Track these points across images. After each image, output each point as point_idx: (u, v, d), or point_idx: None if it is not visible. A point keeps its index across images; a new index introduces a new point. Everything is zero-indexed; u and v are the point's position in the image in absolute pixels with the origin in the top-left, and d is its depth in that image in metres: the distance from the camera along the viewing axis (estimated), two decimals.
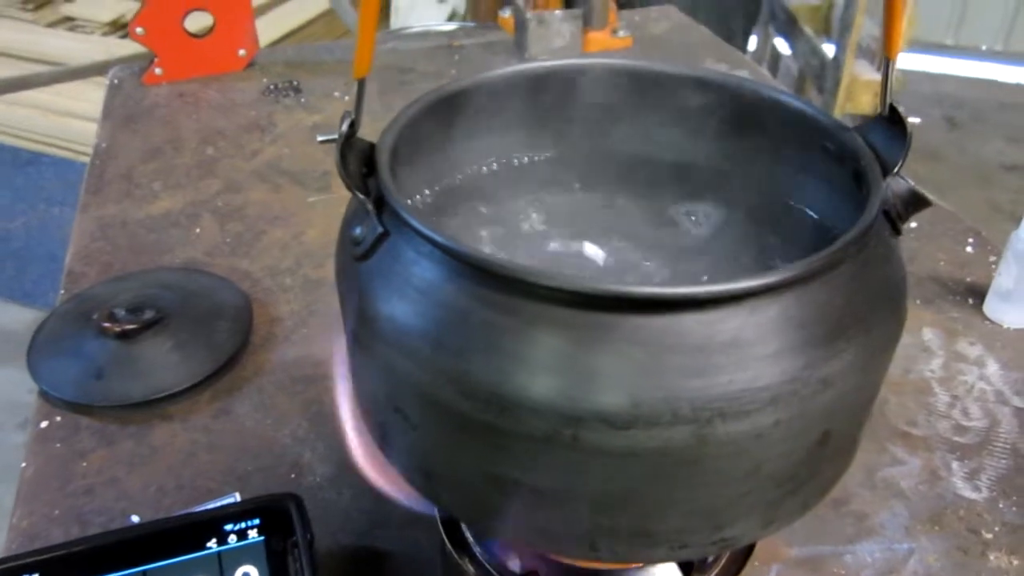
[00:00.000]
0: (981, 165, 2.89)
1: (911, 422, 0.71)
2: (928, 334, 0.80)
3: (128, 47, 2.23)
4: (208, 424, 0.69)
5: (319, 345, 0.77)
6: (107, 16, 2.95)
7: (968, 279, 0.86)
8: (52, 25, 3.05)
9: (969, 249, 0.91)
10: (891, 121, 0.37)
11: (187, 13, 1.15)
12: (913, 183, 0.37)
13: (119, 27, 2.97)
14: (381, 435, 0.36)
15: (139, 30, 1.14)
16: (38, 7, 3.05)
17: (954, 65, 3.72)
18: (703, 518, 0.31)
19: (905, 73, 3.00)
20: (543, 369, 0.28)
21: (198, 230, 0.91)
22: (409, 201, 0.35)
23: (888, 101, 0.36)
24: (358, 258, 0.33)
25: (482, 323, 0.29)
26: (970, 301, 0.84)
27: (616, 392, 0.28)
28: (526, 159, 0.43)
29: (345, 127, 0.33)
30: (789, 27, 2.66)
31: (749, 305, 0.28)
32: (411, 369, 0.30)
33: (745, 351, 0.28)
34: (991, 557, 0.61)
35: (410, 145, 0.38)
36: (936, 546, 0.62)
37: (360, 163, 0.34)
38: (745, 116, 0.41)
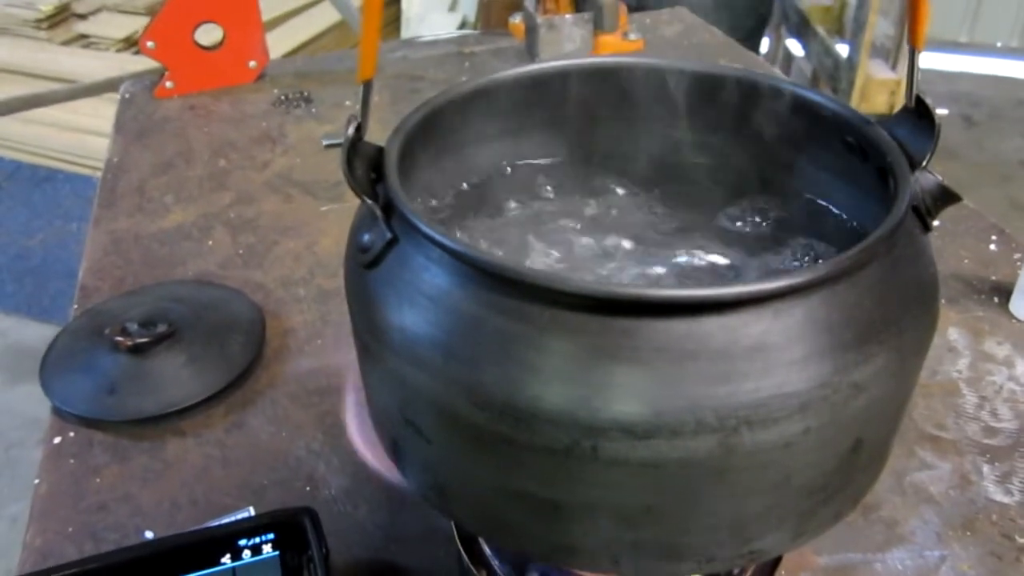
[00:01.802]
0: (1000, 163, 2.86)
1: (940, 425, 0.70)
2: (954, 334, 0.78)
3: (142, 63, 2.24)
4: (222, 438, 0.69)
5: (333, 356, 0.76)
6: (121, 33, 2.97)
7: (993, 277, 0.85)
8: (67, 43, 3.08)
9: (992, 247, 0.89)
10: (918, 114, 0.35)
11: (197, 26, 1.15)
12: (940, 178, 0.36)
13: (133, 44, 2.99)
14: (395, 450, 0.34)
15: (150, 44, 1.14)
16: (52, 25, 3.08)
17: (969, 63, 3.68)
18: (731, 531, 0.30)
19: (919, 72, 2.96)
20: (559, 378, 0.27)
21: (210, 242, 0.90)
22: (420, 206, 0.34)
23: (915, 93, 0.35)
24: (366, 266, 0.32)
25: (495, 331, 0.28)
26: (995, 300, 0.82)
27: (636, 401, 0.26)
28: (540, 161, 0.42)
29: (351, 131, 0.32)
30: (802, 28, 2.65)
31: (773, 308, 0.27)
32: (423, 380, 0.29)
33: (771, 356, 0.27)
34: None
35: (420, 149, 0.37)
36: (969, 553, 0.60)
37: (368, 168, 0.33)
38: (764, 113, 0.40)
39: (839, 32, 2.57)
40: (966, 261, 0.87)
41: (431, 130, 0.37)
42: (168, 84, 1.17)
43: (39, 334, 2.47)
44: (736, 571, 0.41)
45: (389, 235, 0.31)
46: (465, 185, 0.40)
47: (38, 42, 3.07)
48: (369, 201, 0.32)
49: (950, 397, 0.72)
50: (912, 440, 0.68)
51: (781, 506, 0.29)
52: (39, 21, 3.06)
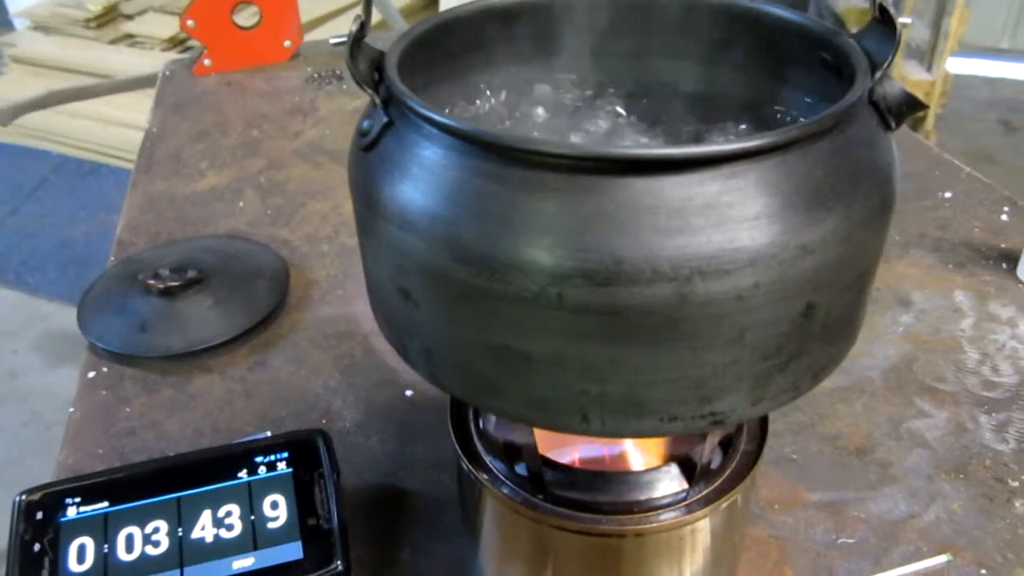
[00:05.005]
0: None
1: (939, 378, 0.71)
2: (960, 296, 0.80)
3: None
4: (245, 375, 0.72)
5: (353, 305, 0.79)
6: (166, 33, 3.07)
7: (1002, 245, 0.86)
8: (114, 42, 3.18)
9: (1004, 217, 0.90)
10: (883, 23, 0.38)
11: (235, 6, 1.20)
12: (907, 88, 0.38)
13: (177, 43, 3.08)
14: (388, 322, 0.37)
15: (190, 22, 1.19)
16: (101, 25, 3.18)
17: (1010, 69, 3.66)
18: (690, 387, 0.32)
19: (959, 77, 2.96)
20: (528, 230, 0.30)
21: (241, 204, 0.94)
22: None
23: (878, 2, 0.37)
24: (365, 148, 0.35)
25: (474, 192, 0.31)
26: (1004, 266, 0.83)
27: (597, 250, 0.29)
28: (534, 83, 0.44)
29: (355, 28, 0.35)
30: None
31: (727, 170, 0.29)
32: (412, 242, 0.32)
33: (723, 213, 0.29)
34: (1017, 504, 0.61)
35: (419, 66, 0.40)
36: (960, 494, 0.62)
37: (370, 67, 0.36)
38: (741, 35, 0.43)
39: None
40: (976, 230, 0.88)
41: (431, 51, 0.41)
42: (206, 62, 1.22)
43: None
44: (714, 466, 0.43)
45: (386, 119, 0.35)
46: (459, 103, 0.43)
47: (86, 40, 3.18)
48: (369, 89, 0.35)
49: (952, 353, 0.73)
50: (911, 391, 0.70)
51: (737, 365, 0.32)
52: (88, 20, 3.17)
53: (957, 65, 2.84)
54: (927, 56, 2.71)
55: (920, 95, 2.66)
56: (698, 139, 0.41)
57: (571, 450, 0.45)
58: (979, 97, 3.43)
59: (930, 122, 2.66)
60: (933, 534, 0.59)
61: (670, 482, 0.42)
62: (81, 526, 0.56)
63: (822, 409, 0.68)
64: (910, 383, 0.71)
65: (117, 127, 2.87)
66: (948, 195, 0.94)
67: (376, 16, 2.60)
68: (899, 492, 0.62)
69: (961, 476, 0.63)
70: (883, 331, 0.76)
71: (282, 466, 0.59)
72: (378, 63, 0.37)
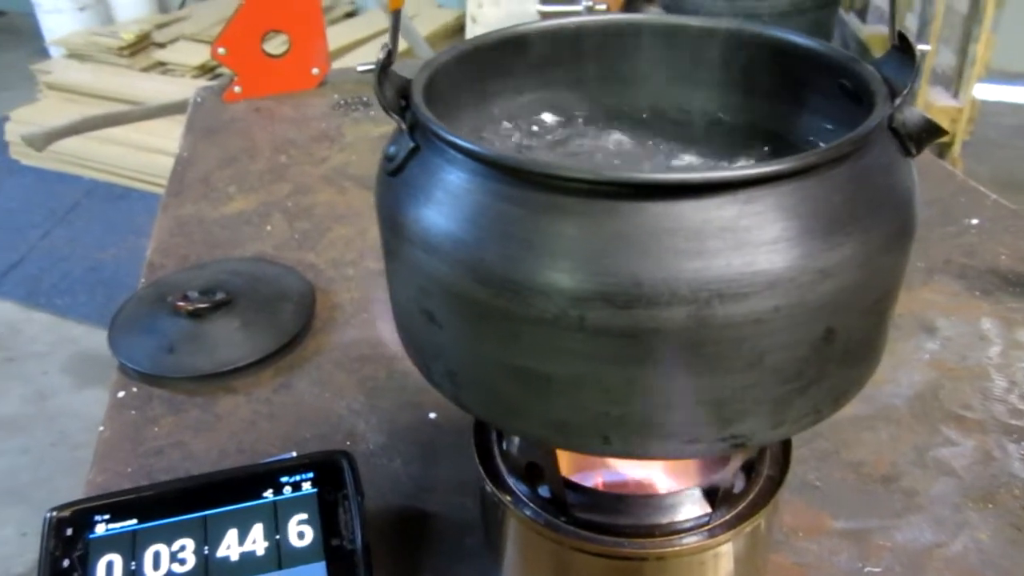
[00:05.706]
0: None
1: (966, 406, 0.70)
2: (986, 323, 0.79)
3: None
4: (270, 396, 0.73)
5: (378, 328, 0.80)
6: (197, 60, 3.13)
7: None
8: (146, 70, 3.24)
9: None
10: (902, 50, 0.38)
11: (266, 34, 1.22)
12: (927, 115, 0.38)
13: (208, 71, 3.15)
14: (413, 344, 0.38)
15: (221, 50, 1.21)
16: (133, 53, 3.26)
17: None
18: (710, 410, 0.32)
19: (986, 103, 2.94)
20: (549, 253, 0.30)
21: (268, 227, 0.96)
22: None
23: (896, 29, 0.38)
24: (392, 173, 0.36)
25: (497, 215, 0.31)
26: None
27: (617, 273, 0.29)
28: (557, 109, 0.45)
29: (383, 55, 0.36)
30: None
31: (745, 194, 0.30)
32: (435, 264, 0.33)
33: (741, 236, 0.30)
34: None
35: (444, 93, 0.41)
36: (988, 523, 0.61)
37: (397, 94, 0.37)
38: (760, 62, 0.43)
39: None
40: (1003, 257, 0.88)
41: (454, 74, 0.42)
42: (236, 89, 1.25)
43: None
44: (736, 490, 0.43)
45: (412, 144, 0.35)
46: (483, 129, 0.44)
47: (120, 68, 3.25)
48: (396, 116, 0.36)
49: (978, 381, 0.73)
50: (937, 419, 0.69)
51: (757, 387, 0.32)
52: (121, 49, 3.24)
53: (984, 91, 2.83)
54: (954, 82, 2.70)
55: (947, 122, 2.65)
56: (717, 164, 0.42)
57: (594, 473, 0.45)
58: (1007, 124, 3.41)
59: (957, 149, 2.64)
60: (960, 564, 0.58)
61: (692, 506, 0.42)
62: (110, 543, 0.56)
63: (846, 436, 0.68)
64: (936, 411, 0.70)
65: (148, 153, 2.92)
66: (974, 222, 0.94)
67: (402, 44, 2.63)
68: (925, 521, 0.61)
69: (989, 505, 0.62)
70: (908, 358, 0.75)
71: (307, 486, 0.59)
72: (405, 90, 0.38)
